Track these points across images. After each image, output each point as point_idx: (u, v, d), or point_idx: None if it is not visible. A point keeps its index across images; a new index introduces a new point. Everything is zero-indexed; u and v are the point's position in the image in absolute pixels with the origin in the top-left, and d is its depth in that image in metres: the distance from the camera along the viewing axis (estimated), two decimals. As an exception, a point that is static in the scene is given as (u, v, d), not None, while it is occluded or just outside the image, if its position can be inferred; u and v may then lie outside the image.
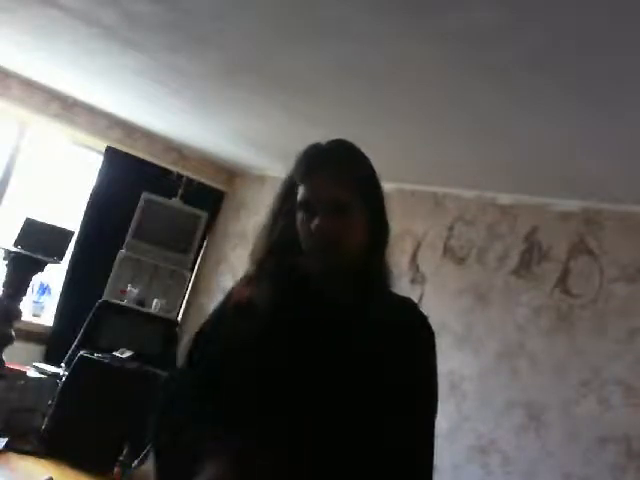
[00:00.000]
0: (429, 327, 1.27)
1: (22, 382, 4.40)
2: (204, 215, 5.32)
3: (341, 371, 1.17)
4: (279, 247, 1.29)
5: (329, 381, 1.17)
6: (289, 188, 1.30)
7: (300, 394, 1.17)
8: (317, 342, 1.19)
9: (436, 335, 1.27)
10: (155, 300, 5.08)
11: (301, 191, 1.25)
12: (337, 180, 1.24)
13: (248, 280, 1.32)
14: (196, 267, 5.69)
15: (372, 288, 1.26)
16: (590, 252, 3.22)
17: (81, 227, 5.10)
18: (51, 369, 4.65)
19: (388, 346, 1.19)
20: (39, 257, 4.36)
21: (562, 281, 3.28)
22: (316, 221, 1.21)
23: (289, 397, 1.17)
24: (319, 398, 1.16)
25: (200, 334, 1.38)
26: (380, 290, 1.28)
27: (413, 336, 1.24)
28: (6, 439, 4.10)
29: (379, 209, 1.30)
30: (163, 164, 5.39)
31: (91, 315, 4.75)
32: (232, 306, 1.31)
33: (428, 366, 1.25)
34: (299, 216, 1.25)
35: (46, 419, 4.35)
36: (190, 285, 5.61)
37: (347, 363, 1.17)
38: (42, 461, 4.10)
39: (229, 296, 1.36)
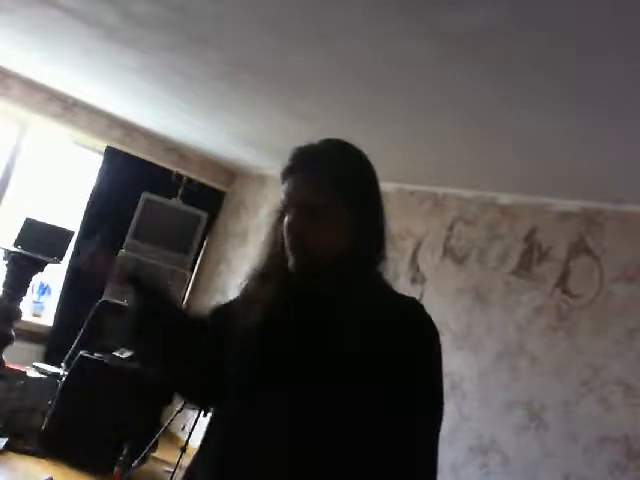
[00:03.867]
0: (433, 327, 1.24)
1: (22, 382, 4.40)
2: (204, 215, 5.32)
3: (342, 372, 1.15)
4: (275, 247, 1.31)
5: (330, 383, 1.15)
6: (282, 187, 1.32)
7: (296, 400, 1.16)
8: (315, 344, 1.19)
9: (436, 335, 1.26)
10: (155, 300, 5.07)
11: (283, 189, 1.28)
12: (312, 182, 1.23)
13: (254, 280, 1.34)
14: (196, 267, 5.69)
15: (362, 288, 1.24)
16: (590, 252, 3.21)
17: (81, 227, 5.10)
18: (51, 369, 4.66)
19: (390, 347, 1.17)
20: (39, 257, 4.36)
21: (562, 281, 3.28)
22: (286, 220, 1.24)
23: (284, 403, 1.17)
24: (318, 402, 1.15)
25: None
26: (378, 289, 1.27)
27: (417, 338, 1.21)
28: (6, 439, 4.10)
29: (365, 210, 1.26)
30: (163, 164, 5.40)
31: (91, 315, 4.75)
32: (239, 305, 1.33)
33: (432, 367, 1.22)
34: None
35: (46, 419, 4.34)
36: (190, 285, 5.61)
37: (349, 364, 1.15)
38: (42, 461, 4.10)
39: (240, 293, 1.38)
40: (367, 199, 1.28)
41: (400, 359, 1.17)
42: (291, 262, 1.24)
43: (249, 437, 1.17)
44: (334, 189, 1.23)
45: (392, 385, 1.16)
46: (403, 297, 1.28)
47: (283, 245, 1.27)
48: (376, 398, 1.15)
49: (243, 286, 1.37)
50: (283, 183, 1.28)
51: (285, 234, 1.25)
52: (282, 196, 1.27)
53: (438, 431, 1.18)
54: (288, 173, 1.28)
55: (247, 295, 1.31)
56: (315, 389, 1.16)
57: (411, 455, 1.15)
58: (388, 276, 1.30)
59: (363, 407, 1.14)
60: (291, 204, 1.25)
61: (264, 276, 1.30)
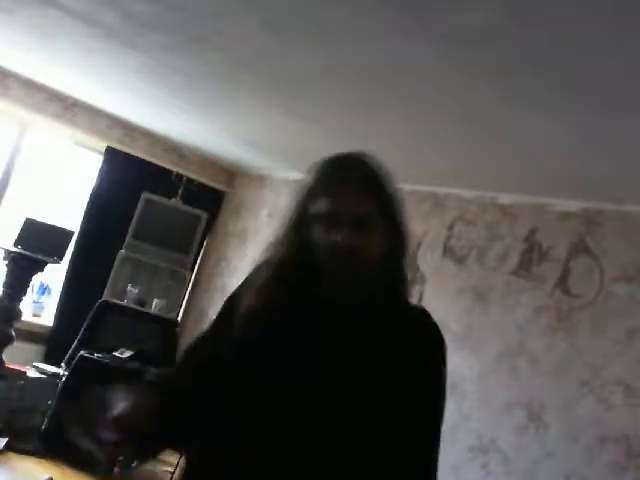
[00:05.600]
0: (441, 338, 1.26)
1: (22, 382, 4.40)
2: (204, 215, 5.32)
3: (349, 382, 1.16)
4: (295, 255, 1.28)
5: (334, 392, 1.16)
6: (306, 197, 1.28)
7: (300, 398, 1.17)
8: (323, 350, 1.19)
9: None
10: (155, 300, 5.08)
11: (323, 202, 1.24)
12: (362, 194, 1.24)
13: (262, 284, 1.31)
14: (196, 267, 5.69)
15: (384, 300, 1.26)
16: (590, 252, 3.21)
17: (81, 227, 5.10)
18: (51, 369, 4.65)
19: (398, 356, 1.18)
20: (39, 257, 4.36)
21: (562, 281, 3.28)
22: (339, 234, 1.20)
23: (290, 401, 1.17)
24: (320, 402, 1.16)
25: (205, 335, 1.40)
26: (393, 301, 1.28)
27: (424, 348, 1.23)
28: (6, 439, 4.10)
29: (398, 224, 1.29)
30: (163, 164, 5.39)
31: (91, 315, 4.75)
32: (245, 309, 1.30)
33: (437, 378, 1.24)
34: (318, 227, 1.24)
35: (46, 419, 4.34)
36: (190, 285, 5.61)
37: (356, 374, 1.16)
38: (42, 461, 4.10)
39: (237, 295, 1.36)
40: (400, 214, 1.31)
41: (412, 369, 1.19)
42: (336, 275, 1.22)
43: (263, 438, 1.17)
44: (378, 202, 1.26)
45: (403, 393, 1.18)
46: (414, 308, 1.31)
47: (305, 251, 1.25)
48: (387, 406, 1.16)
49: (249, 293, 1.33)
50: (325, 195, 1.24)
51: (331, 246, 1.21)
52: (324, 208, 1.23)
53: (439, 439, 1.22)
54: (334, 185, 1.25)
55: (254, 304, 1.28)
56: (328, 399, 1.16)
57: (414, 464, 1.18)
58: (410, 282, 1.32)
59: (374, 415, 1.16)
60: (342, 215, 1.21)
61: (274, 283, 1.28)
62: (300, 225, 1.28)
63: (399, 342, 1.19)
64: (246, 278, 1.38)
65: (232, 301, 1.37)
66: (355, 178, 1.26)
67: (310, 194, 1.28)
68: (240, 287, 1.39)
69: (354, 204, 1.22)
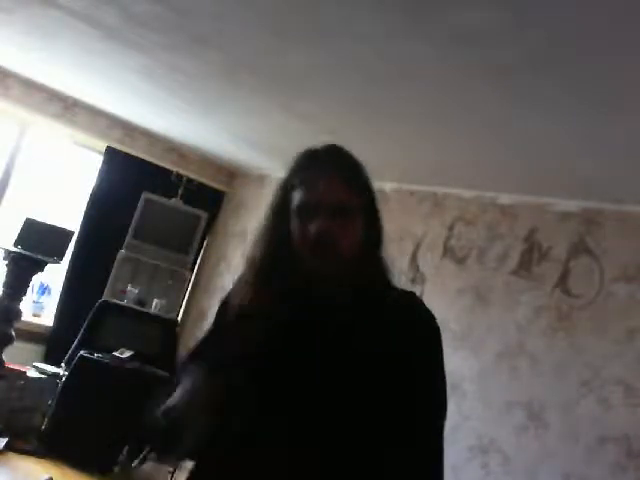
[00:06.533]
0: (433, 322, 1.26)
1: (22, 382, 4.40)
2: (204, 215, 5.32)
3: (340, 373, 1.16)
4: (275, 251, 1.28)
5: (328, 384, 1.16)
6: (284, 192, 1.29)
7: (299, 397, 1.17)
8: (316, 345, 1.19)
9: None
10: (155, 300, 5.08)
11: (299, 195, 1.25)
12: (339, 184, 1.24)
13: (246, 283, 1.32)
14: (196, 267, 5.69)
15: (369, 287, 1.25)
16: (590, 252, 3.21)
17: (81, 227, 5.10)
18: (51, 369, 4.65)
19: (390, 345, 1.18)
20: (39, 257, 4.36)
21: (562, 281, 3.28)
22: (316, 224, 1.21)
23: (288, 400, 1.17)
24: (318, 400, 1.16)
25: (206, 338, 1.41)
26: (379, 288, 1.27)
27: (416, 333, 1.23)
28: (6, 439, 4.10)
29: (374, 212, 1.30)
30: (163, 164, 5.40)
31: (91, 315, 4.75)
32: (232, 310, 1.31)
33: (432, 363, 1.23)
34: (296, 220, 1.25)
35: (46, 419, 4.34)
36: (190, 285, 5.62)
37: (347, 364, 1.16)
38: (42, 461, 4.10)
39: (228, 298, 1.37)
40: (375, 202, 1.31)
41: (409, 360, 1.19)
42: (315, 266, 1.22)
43: (262, 444, 1.17)
44: (355, 192, 1.26)
45: (397, 386, 1.17)
46: (403, 294, 1.29)
47: (284, 246, 1.26)
48: (381, 400, 1.16)
49: (238, 294, 1.34)
50: (301, 188, 1.25)
51: (309, 238, 1.22)
52: (300, 200, 1.24)
53: (442, 426, 1.21)
54: (310, 177, 1.26)
55: (247, 302, 1.29)
56: (327, 398, 1.16)
57: (415, 459, 1.17)
58: (393, 271, 1.32)
59: (367, 410, 1.15)
60: (319, 206, 1.22)
61: (265, 281, 1.28)
62: (279, 220, 1.28)
63: (394, 334, 1.19)
64: (235, 282, 1.39)
65: (224, 306, 1.38)
66: (333, 169, 1.26)
67: (288, 188, 1.29)
68: (229, 292, 1.39)
69: (333, 193, 1.23)
